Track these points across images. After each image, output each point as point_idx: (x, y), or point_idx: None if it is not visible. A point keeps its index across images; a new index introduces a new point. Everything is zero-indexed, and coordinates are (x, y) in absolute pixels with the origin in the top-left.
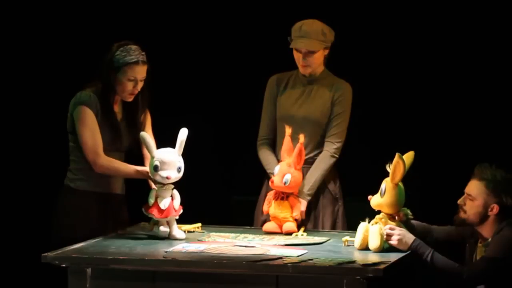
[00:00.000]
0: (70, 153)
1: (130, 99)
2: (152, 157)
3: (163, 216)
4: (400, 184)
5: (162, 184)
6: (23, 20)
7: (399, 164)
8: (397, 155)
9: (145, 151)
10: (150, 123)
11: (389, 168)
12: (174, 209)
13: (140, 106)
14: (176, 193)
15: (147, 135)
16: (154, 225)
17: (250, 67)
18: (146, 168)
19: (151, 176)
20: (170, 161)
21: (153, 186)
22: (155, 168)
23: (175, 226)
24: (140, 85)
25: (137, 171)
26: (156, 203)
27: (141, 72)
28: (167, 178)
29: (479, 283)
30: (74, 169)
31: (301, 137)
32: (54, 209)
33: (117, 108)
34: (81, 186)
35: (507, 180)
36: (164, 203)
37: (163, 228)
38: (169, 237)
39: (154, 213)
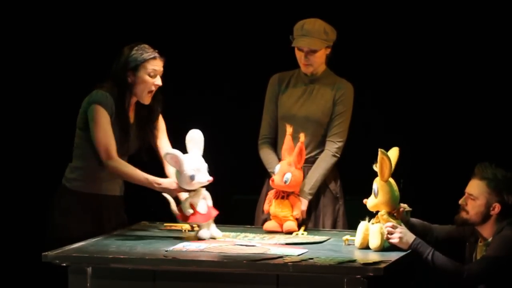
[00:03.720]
0: (74, 148)
1: (149, 99)
2: (181, 171)
3: (207, 219)
4: (391, 180)
5: (192, 191)
6: (23, 19)
7: (384, 160)
8: (380, 152)
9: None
10: (164, 128)
11: (376, 167)
12: (212, 208)
13: (153, 111)
14: (206, 193)
15: (175, 153)
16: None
17: (251, 66)
18: (158, 179)
19: (186, 187)
20: (202, 167)
21: (169, 198)
22: (192, 178)
23: (212, 226)
24: (159, 81)
25: (148, 180)
26: (195, 211)
27: (160, 66)
28: (208, 181)
29: (479, 282)
30: (74, 167)
31: (302, 136)
32: (50, 208)
33: (130, 112)
34: (77, 186)
35: (508, 178)
36: (202, 208)
37: (205, 232)
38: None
39: (199, 220)
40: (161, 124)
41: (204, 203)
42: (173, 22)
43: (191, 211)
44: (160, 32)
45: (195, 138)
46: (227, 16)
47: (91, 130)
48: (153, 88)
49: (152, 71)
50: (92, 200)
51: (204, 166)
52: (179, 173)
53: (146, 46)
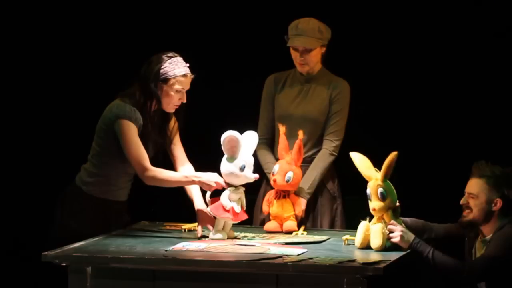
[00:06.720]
0: (92, 155)
1: (173, 110)
2: (234, 158)
3: (238, 220)
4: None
5: (234, 187)
6: (41, 21)
7: (393, 161)
8: (394, 154)
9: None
10: (177, 131)
11: (380, 170)
12: (244, 212)
13: (171, 116)
14: (243, 194)
15: (236, 136)
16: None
17: (247, 67)
18: (196, 173)
19: (231, 179)
20: (252, 164)
21: (195, 196)
22: (242, 168)
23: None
24: (184, 98)
25: (188, 178)
26: (231, 208)
27: (188, 84)
28: (255, 178)
29: (480, 280)
30: (90, 172)
31: (300, 134)
32: (59, 207)
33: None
34: (92, 191)
35: (506, 174)
36: (237, 206)
37: (218, 234)
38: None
39: (230, 217)
40: (174, 126)
41: (239, 203)
42: (170, 22)
43: (229, 203)
44: (158, 32)
45: (251, 139)
46: (223, 17)
47: (122, 146)
48: (178, 103)
49: (180, 88)
50: (103, 204)
51: (251, 165)
52: (231, 159)
53: (180, 59)
